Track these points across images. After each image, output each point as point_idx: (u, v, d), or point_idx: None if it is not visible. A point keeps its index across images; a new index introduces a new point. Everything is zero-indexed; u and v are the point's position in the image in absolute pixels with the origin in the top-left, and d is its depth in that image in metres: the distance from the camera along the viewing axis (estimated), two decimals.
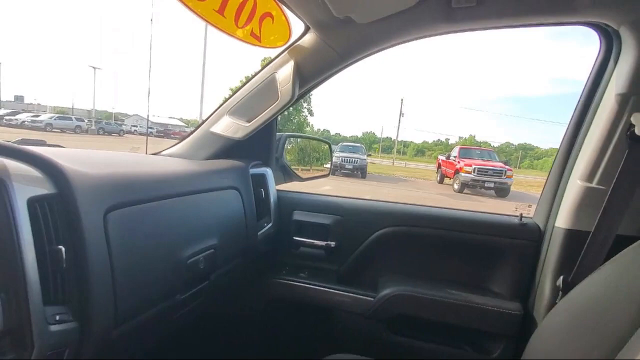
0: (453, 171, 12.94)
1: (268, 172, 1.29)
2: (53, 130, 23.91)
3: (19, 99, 62.20)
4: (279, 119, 1.44)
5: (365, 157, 15.45)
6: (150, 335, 0.82)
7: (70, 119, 27.14)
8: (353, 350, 0.94)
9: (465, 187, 12.04)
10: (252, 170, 1.18)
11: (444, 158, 14.99)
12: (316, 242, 1.28)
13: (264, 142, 1.31)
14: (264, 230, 1.18)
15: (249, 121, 1.15)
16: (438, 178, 15.56)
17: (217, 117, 1.22)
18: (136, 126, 41.68)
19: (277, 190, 1.33)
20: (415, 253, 1.24)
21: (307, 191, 1.44)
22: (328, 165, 1.98)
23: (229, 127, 1.18)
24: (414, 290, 1.14)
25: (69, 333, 0.52)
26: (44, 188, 0.52)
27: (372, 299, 1.17)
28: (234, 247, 1.02)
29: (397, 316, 1.15)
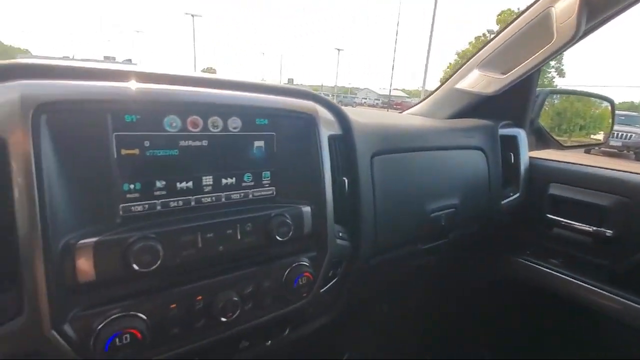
0: None
1: (520, 134, 1.10)
2: None
3: (290, 81, 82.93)
4: (541, 71, 1.18)
5: None
6: (391, 273, 0.91)
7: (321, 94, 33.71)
8: None
9: None
10: (502, 131, 1.04)
11: None
12: (581, 226, 1.01)
13: (518, 99, 1.12)
14: (509, 200, 1.04)
15: (504, 73, 1.00)
16: None
17: (463, 73, 1.13)
18: (365, 98, 46.61)
19: (530, 157, 1.12)
20: None
21: (571, 160, 1.14)
22: (597, 136, 1.51)
23: (478, 81, 1.07)
24: None
25: (346, 249, 0.65)
26: (333, 130, 0.64)
27: None
28: (474, 211, 0.95)
29: None
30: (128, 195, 0.44)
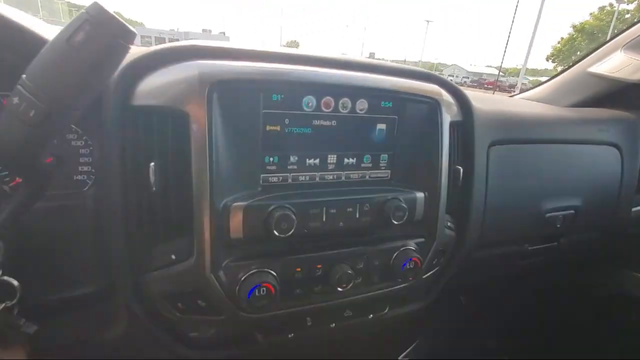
0: None
1: None
2: None
3: (371, 55, 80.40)
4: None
5: None
6: (492, 269, 0.87)
7: None
8: None
9: None
10: None
11: None
12: None
13: None
14: None
15: None
16: None
17: (601, 55, 0.97)
18: (452, 76, 42.99)
19: None
20: None
21: None
22: None
23: (621, 66, 0.91)
24: None
25: (452, 239, 0.64)
26: (455, 115, 0.61)
27: None
28: (597, 216, 0.84)
29: None
30: (267, 167, 0.49)
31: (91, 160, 0.48)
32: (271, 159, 0.49)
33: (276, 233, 0.45)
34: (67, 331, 0.29)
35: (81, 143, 0.48)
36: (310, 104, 0.50)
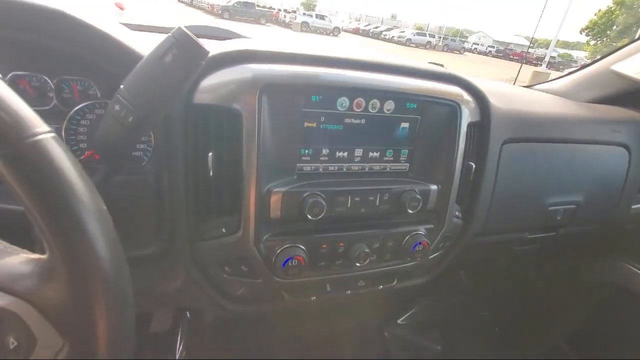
0: None
1: None
2: (410, 45, 28.01)
3: (393, 16, 76.16)
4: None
5: None
6: (491, 253, 0.96)
7: (425, 35, 30.44)
8: None
9: None
10: None
11: None
12: None
13: None
14: None
15: None
16: None
17: (626, 54, 0.98)
18: (477, 44, 40.73)
19: None
20: None
21: None
22: None
23: None
24: None
25: (458, 227, 0.72)
26: (473, 116, 0.67)
27: None
28: (597, 211, 0.91)
29: None
30: (303, 158, 0.57)
31: (146, 139, 0.56)
32: (306, 151, 0.57)
33: (309, 216, 0.54)
34: (135, 282, 0.37)
35: None
36: (343, 104, 0.56)
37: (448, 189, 0.64)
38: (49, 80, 0.49)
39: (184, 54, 0.38)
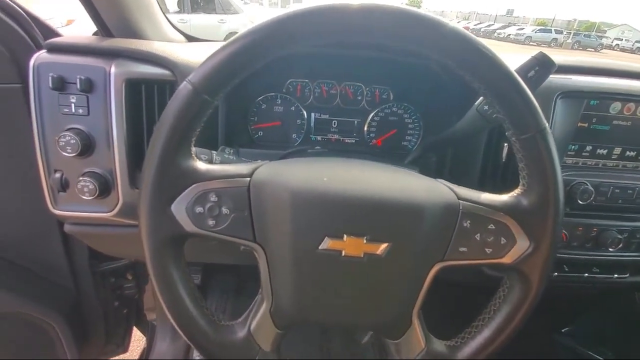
0: None
1: None
2: (531, 43, 24.93)
3: (509, 12, 68.69)
4: None
5: None
6: None
7: (550, 31, 26.73)
8: None
9: None
10: None
11: None
12: None
13: None
14: None
15: None
16: None
17: None
18: (620, 39, 34.02)
19: None
20: None
21: None
22: None
23: None
24: None
25: None
26: None
27: None
28: None
29: None
30: (568, 153, 0.68)
31: None
32: (573, 146, 0.68)
33: (580, 202, 0.65)
34: None
35: None
36: (615, 108, 0.66)
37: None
38: (363, 87, 0.75)
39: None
